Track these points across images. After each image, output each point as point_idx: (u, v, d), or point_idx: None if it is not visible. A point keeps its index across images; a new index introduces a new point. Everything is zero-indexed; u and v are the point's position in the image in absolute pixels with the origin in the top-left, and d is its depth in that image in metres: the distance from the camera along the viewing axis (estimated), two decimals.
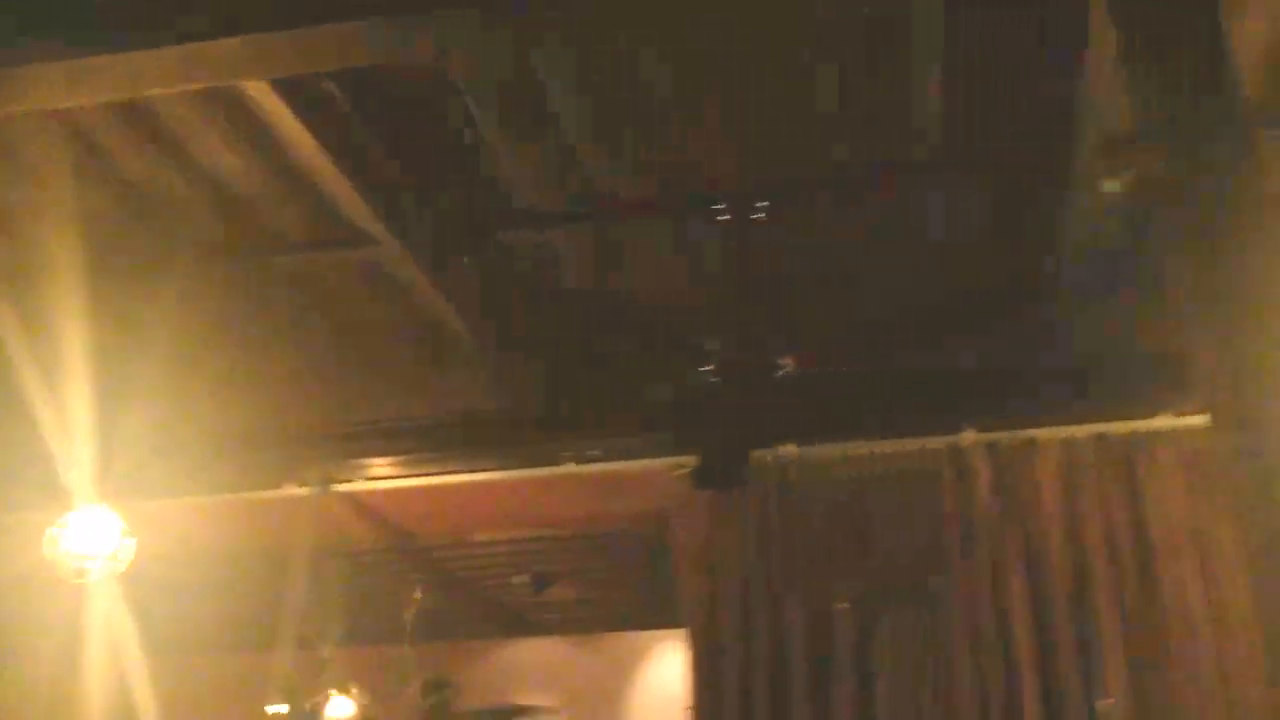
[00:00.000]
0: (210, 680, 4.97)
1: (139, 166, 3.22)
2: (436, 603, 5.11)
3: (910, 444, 3.78)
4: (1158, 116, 2.01)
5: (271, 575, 4.23)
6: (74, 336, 3.44)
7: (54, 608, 3.49)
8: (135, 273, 3.66)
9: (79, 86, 2.58)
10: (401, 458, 4.22)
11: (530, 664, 8.63)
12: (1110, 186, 2.17)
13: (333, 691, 4.66)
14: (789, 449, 3.85)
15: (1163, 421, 3.67)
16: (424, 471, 4.23)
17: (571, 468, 4.10)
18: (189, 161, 3.22)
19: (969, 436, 3.76)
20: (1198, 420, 3.66)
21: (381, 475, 4.23)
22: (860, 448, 3.80)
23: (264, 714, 4.12)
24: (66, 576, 3.18)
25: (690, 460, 3.95)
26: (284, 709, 5.08)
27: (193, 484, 3.90)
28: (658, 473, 4.04)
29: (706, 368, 3.19)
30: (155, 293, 3.69)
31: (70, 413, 3.36)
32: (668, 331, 3.55)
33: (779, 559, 3.71)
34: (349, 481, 4.22)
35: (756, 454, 3.74)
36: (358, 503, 4.38)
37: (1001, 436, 3.75)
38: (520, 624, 5.24)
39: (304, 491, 4.18)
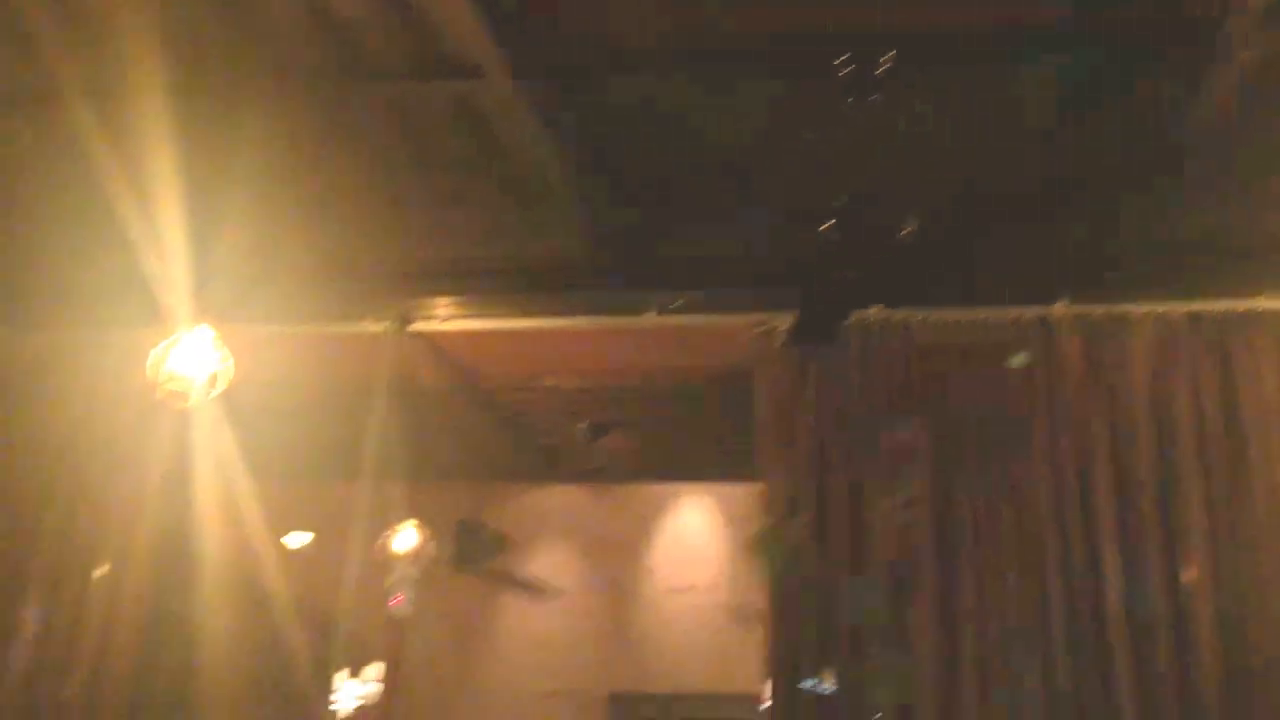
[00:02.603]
0: (297, 508, 5.01)
1: None
2: (488, 444, 5.15)
3: (1003, 313, 3.76)
4: None
5: (347, 409, 4.23)
6: (165, 156, 3.34)
7: (159, 427, 3.49)
8: (225, 93, 3.55)
9: None
10: (479, 299, 4.18)
11: (553, 510, 8.81)
12: None
13: (406, 523, 4.74)
14: (881, 311, 3.81)
15: (1260, 303, 3.65)
16: (501, 314, 4.20)
17: (653, 318, 4.07)
18: None
19: (1060, 309, 3.73)
20: None
21: (457, 316, 4.19)
22: (952, 314, 3.78)
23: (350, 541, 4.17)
24: (168, 398, 3.17)
25: (778, 317, 3.94)
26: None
27: (278, 314, 3.85)
28: (741, 328, 4.01)
29: (822, 225, 3.13)
30: (244, 115, 3.59)
31: (165, 235, 3.29)
32: (772, 185, 3.48)
33: (862, 421, 3.72)
34: (425, 320, 4.18)
35: (852, 314, 3.72)
36: (430, 342, 4.34)
37: (1094, 310, 3.72)
38: (569, 470, 5.28)
39: (379, 328, 4.15)
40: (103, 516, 3.69)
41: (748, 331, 3.99)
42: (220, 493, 3.55)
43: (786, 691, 3.47)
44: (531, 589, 7.82)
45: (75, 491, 3.73)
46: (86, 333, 3.72)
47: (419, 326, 4.20)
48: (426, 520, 7.71)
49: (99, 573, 3.80)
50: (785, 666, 3.50)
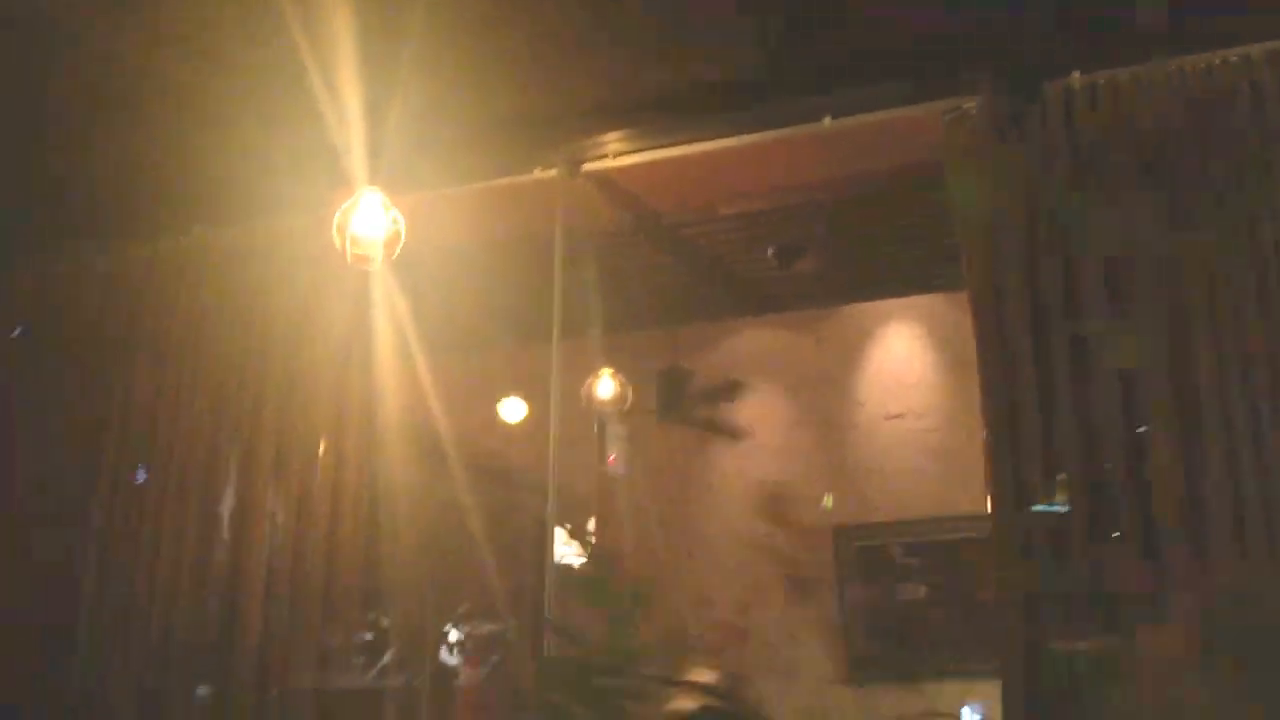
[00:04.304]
0: (472, 374, 5.10)
1: None
2: (679, 283, 5.07)
3: (1222, 55, 3.35)
4: None
5: (530, 265, 4.21)
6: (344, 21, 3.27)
7: (341, 290, 3.57)
8: None
9: None
10: (648, 130, 4.05)
11: (755, 350, 8.73)
12: None
13: (603, 372, 4.75)
14: (1078, 78, 3.48)
15: None
16: (671, 142, 4.06)
17: (827, 123, 3.85)
18: None
19: None
20: None
21: (627, 150, 4.08)
22: (1159, 70, 3.40)
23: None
24: (356, 261, 3.21)
25: (966, 102, 3.64)
26: None
27: (449, 175, 3.83)
28: (928, 119, 3.74)
29: None
30: None
31: (344, 101, 3.28)
32: None
33: (1069, 199, 3.40)
34: (597, 159, 4.09)
35: (1046, 86, 3.40)
36: (605, 181, 4.25)
37: None
38: (765, 300, 5.15)
39: (551, 174, 4.08)
40: (311, 391, 3.82)
41: (935, 122, 3.72)
42: (411, 360, 3.61)
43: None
44: (728, 433, 7.79)
45: (285, 370, 3.86)
46: (276, 217, 3.81)
47: (591, 166, 4.11)
48: (625, 371, 7.79)
49: (322, 449, 3.95)
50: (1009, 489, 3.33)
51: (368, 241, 3.20)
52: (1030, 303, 3.40)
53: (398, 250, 3.25)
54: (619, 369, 7.95)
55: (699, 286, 5.03)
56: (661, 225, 4.55)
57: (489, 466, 6.69)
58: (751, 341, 8.73)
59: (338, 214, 3.18)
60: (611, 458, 8.22)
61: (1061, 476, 3.25)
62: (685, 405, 7.24)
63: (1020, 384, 3.36)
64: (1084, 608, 3.13)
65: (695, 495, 8.63)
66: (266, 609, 3.88)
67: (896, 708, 7.70)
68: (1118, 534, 3.14)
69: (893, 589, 8.21)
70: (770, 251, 4.66)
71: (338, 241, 3.17)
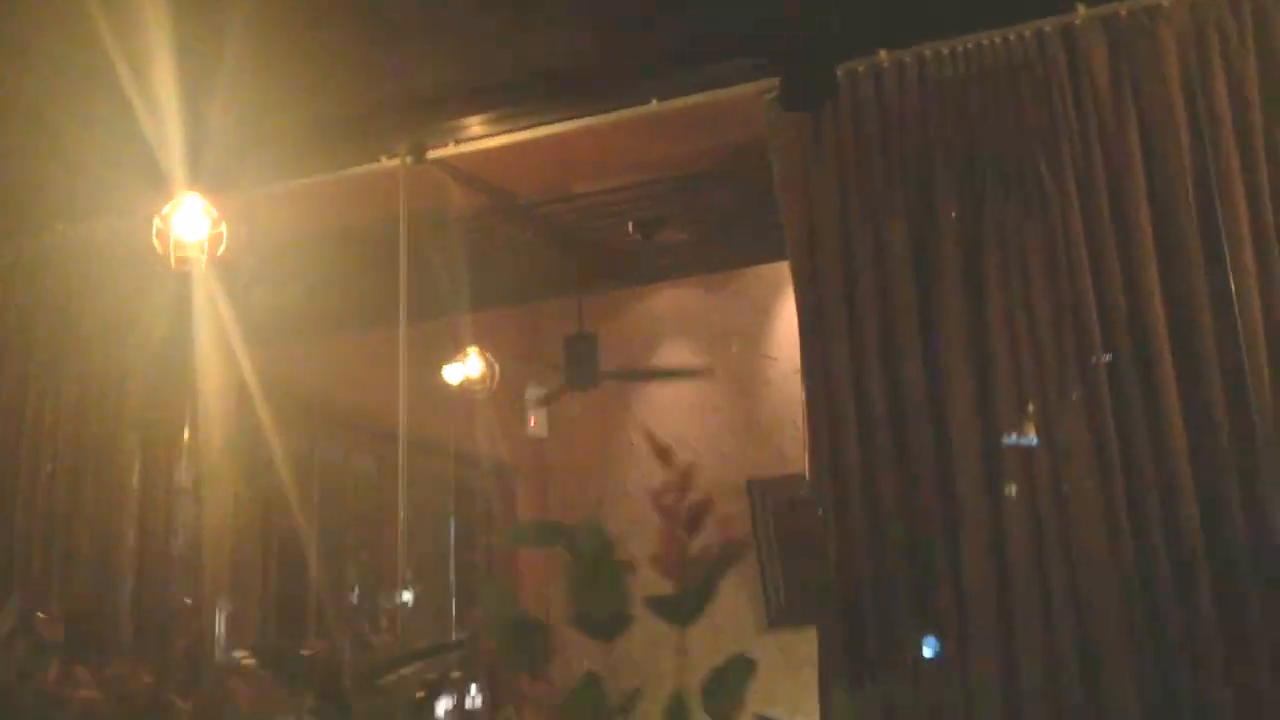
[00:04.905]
0: (337, 357, 5.21)
1: None
2: (549, 259, 5.18)
3: (1017, 31, 3.48)
4: None
5: (380, 252, 4.31)
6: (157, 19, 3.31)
7: (164, 290, 3.65)
8: None
9: None
10: (491, 114, 4.15)
11: (667, 313, 8.86)
12: None
13: (469, 349, 4.88)
14: (880, 56, 3.59)
15: None
16: (514, 127, 4.15)
17: (655, 106, 3.96)
18: None
19: (1081, 12, 3.42)
20: None
21: (473, 136, 4.17)
22: (961, 43, 3.52)
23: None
24: (180, 264, 3.30)
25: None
26: None
27: (285, 170, 3.91)
28: (750, 101, 3.85)
29: None
30: None
31: (161, 102, 3.33)
32: None
33: (878, 175, 3.54)
34: (442, 147, 4.18)
35: (845, 66, 3.52)
36: (453, 168, 4.34)
37: (1119, 8, 3.40)
38: (637, 271, 5.28)
39: (397, 163, 4.17)
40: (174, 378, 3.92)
41: (758, 102, 3.83)
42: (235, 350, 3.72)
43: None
44: (684, 375, 7.91)
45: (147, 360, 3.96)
46: (101, 220, 3.89)
47: (438, 153, 4.20)
48: (539, 342, 7.90)
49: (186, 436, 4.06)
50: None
51: (190, 244, 3.29)
52: (844, 277, 3.54)
53: (221, 250, 3.34)
54: (530, 339, 8.06)
55: (568, 262, 5.13)
56: (518, 206, 4.64)
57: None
58: (662, 302, 8.87)
59: (156, 218, 3.27)
60: (533, 420, 8.39)
61: None
62: (595, 369, 7.37)
63: (835, 357, 3.51)
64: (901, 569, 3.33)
65: (614, 455, 8.80)
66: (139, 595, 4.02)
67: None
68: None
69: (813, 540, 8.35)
70: (630, 226, 4.77)
71: (158, 246, 3.26)
